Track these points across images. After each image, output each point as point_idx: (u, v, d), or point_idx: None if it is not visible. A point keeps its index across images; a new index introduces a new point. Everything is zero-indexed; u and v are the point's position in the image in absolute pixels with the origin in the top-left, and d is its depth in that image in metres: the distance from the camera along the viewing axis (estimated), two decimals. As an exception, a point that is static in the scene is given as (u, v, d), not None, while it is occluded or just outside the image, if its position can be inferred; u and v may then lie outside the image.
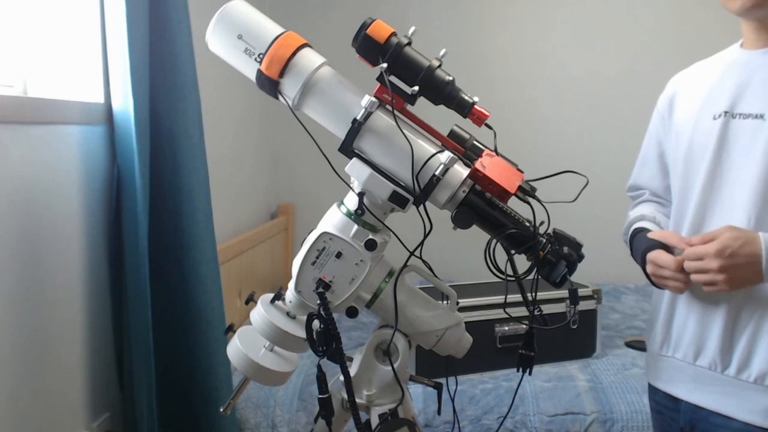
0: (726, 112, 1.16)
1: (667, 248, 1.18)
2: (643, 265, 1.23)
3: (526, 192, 0.98)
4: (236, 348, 1.04)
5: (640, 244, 1.25)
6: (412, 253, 1.03)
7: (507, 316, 1.08)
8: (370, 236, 0.99)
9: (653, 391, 1.33)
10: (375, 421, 1.05)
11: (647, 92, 1.58)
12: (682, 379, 1.24)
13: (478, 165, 0.96)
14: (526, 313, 1.05)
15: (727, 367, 1.15)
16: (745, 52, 1.21)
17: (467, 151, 1.00)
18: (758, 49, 1.18)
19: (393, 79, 0.97)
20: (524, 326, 1.07)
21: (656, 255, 1.18)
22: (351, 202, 1.02)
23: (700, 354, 1.19)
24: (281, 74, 0.97)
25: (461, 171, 0.98)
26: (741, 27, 1.21)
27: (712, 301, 1.17)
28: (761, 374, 1.12)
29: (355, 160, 0.99)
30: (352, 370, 1.07)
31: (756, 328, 1.12)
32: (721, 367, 1.16)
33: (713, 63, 1.28)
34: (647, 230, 1.27)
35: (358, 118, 0.96)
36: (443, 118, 1.08)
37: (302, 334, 1.01)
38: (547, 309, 1.08)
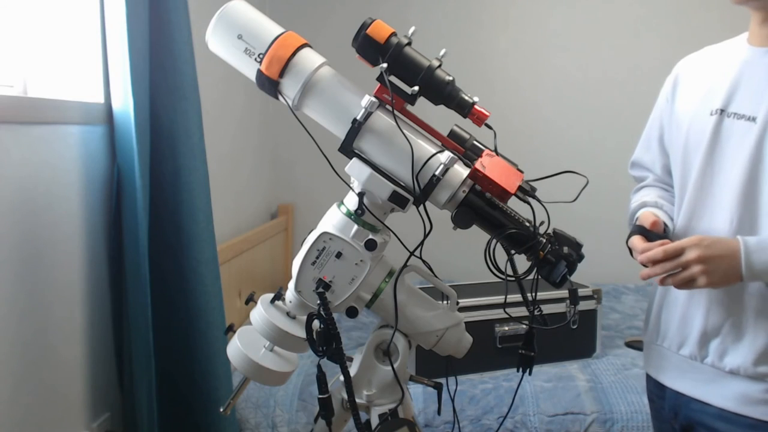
0: (721, 110, 1.16)
1: (648, 232, 1.19)
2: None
3: (526, 192, 0.98)
4: (236, 348, 1.04)
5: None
6: (412, 253, 1.03)
7: (507, 316, 1.08)
8: (370, 236, 0.99)
9: (648, 379, 1.36)
10: (375, 421, 1.06)
11: (647, 92, 1.58)
12: (668, 367, 1.27)
13: (478, 165, 0.96)
14: (526, 313, 1.05)
15: (705, 357, 1.19)
16: (748, 48, 1.19)
17: (467, 151, 1.00)
18: (760, 47, 1.17)
19: (393, 79, 0.97)
20: (524, 326, 1.07)
21: (630, 241, 1.19)
22: (351, 202, 1.02)
23: (683, 344, 1.22)
24: (281, 74, 0.97)
25: (461, 171, 0.98)
26: (750, 20, 1.19)
27: (695, 296, 1.19)
28: (735, 367, 1.15)
29: (355, 160, 0.99)
30: (352, 370, 1.07)
31: (730, 327, 1.15)
32: (700, 358, 1.20)
33: (719, 53, 1.26)
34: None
35: (358, 118, 0.96)
36: (443, 118, 1.08)
37: (302, 334, 1.01)
38: (547, 309, 1.08)
